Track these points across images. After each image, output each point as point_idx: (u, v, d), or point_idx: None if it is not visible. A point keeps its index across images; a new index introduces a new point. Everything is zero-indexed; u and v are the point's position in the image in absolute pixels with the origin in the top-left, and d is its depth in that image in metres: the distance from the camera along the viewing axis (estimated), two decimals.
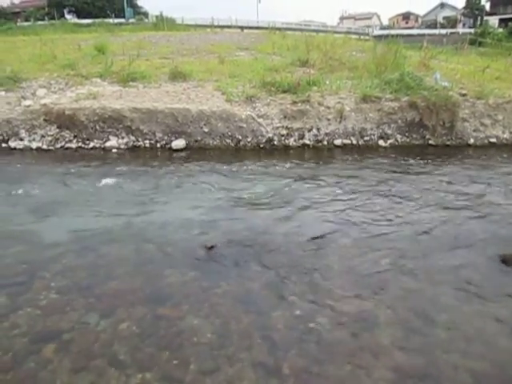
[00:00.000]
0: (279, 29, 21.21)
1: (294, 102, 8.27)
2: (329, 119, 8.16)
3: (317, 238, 4.15)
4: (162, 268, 3.61)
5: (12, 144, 7.72)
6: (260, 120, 7.95)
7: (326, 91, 8.74)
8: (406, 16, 65.48)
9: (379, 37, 19.61)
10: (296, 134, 8.00)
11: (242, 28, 32.89)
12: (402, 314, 3.02)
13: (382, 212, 4.84)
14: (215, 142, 7.83)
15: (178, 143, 7.64)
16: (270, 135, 7.87)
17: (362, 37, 26.84)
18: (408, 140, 8.22)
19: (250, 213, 4.79)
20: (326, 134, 8.05)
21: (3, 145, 7.75)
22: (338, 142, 7.99)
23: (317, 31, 27.31)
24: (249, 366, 2.54)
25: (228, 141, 7.85)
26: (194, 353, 2.60)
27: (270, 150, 7.67)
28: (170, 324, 2.86)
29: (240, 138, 7.85)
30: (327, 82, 9.24)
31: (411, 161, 7.04)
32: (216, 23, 28.75)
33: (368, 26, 47.36)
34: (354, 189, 5.62)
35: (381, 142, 8.09)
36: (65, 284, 3.38)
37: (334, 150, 7.82)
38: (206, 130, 7.82)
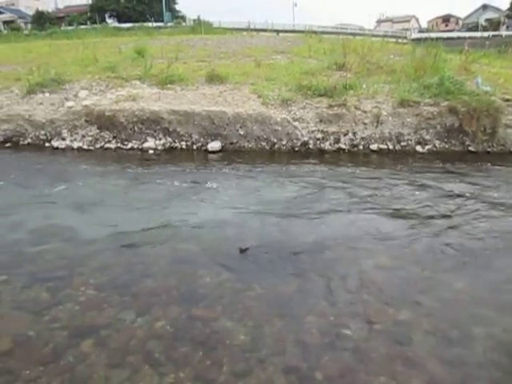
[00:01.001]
0: (315, 32, 21.11)
1: (330, 106, 8.21)
2: (365, 123, 8.04)
3: (351, 243, 4.09)
4: (197, 268, 3.65)
5: (55, 143, 8.02)
6: (295, 123, 7.93)
7: (362, 95, 8.63)
8: (446, 19, 63.84)
9: (417, 40, 19.20)
10: (331, 137, 7.93)
11: (277, 31, 32.92)
12: (439, 325, 2.94)
13: (421, 219, 4.72)
14: (250, 145, 7.87)
15: (214, 145, 7.72)
16: (306, 139, 7.84)
17: (399, 40, 26.33)
18: (447, 146, 8.00)
19: (284, 216, 4.78)
20: (362, 139, 7.94)
21: (46, 144, 8.08)
22: (374, 146, 7.86)
23: (353, 34, 26.97)
24: (281, 371, 2.53)
25: (263, 143, 7.87)
26: (227, 354, 2.61)
27: (304, 154, 7.64)
28: (204, 324, 2.88)
29: (275, 140, 7.86)
30: (364, 86, 9.11)
31: (451, 167, 6.84)
32: (252, 27, 28.90)
33: (406, 29, 46.45)
34: (391, 194, 5.51)
35: (418, 148, 7.90)
36: (102, 281, 3.47)
37: (369, 154, 7.70)
38: (242, 132, 7.87)
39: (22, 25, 45.45)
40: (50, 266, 3.76)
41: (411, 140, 7.99)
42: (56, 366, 2.53)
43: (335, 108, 8.17)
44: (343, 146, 7.86)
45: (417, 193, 5.55)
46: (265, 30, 31.27)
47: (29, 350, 2.68)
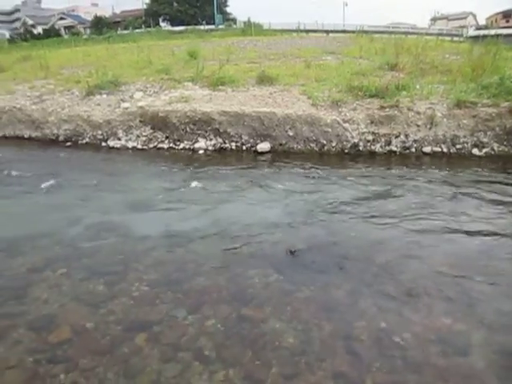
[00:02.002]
0: (366, 32, 20.74)
1: (382, 107, 8.03)
2: (418, 125, 7.80)
3: (404, 248, 3.99)
4: (246, 268, 3.69)
5: (111, 143, 8.37)
6: (345, 125, 7.82)
7: (415, 96, 8.38)
8: (507, 14, 60.52)
9: (475, 38, 18.38)
10: (382, 139, 7.76)
11: (327, 32, 32.62)
12: (497, 336, 2.81)
13: (478, 222, 4.52)
14: (299, 146, 7.85)
15: (263, 146, 7.77)
16: (356, 140, 7.72)
17: (455, 38, 25.33)
18: (506, 149, 7.59)
19: (334, 219, 4.74)
20: (415, 141, 7.71)
21: (103, 144, 8.45)
22: (427, 149, 7.61)
23: (406, 33, 26.25)
24: (330, 376, 2.51)
25: (312, 145, 7.83)
26: (276, 356, 2.63)
27: (354, 156, 7.52)
28: (253, 325, 2.91)
29: (324, 142, 7.80)
30: (417, 87, 8.84)
31: None
32: (302, 28, 28.79)
33: (462, 27, 44.59)
34: (448, 198, 5.30)
35: (475, 151, 7.57)
36: (155, 277, 3.58)
37: (422, 157, 7.46)
38: (291, 133, 7.86)
39: (82, 30, 47.75)
40: (106, 260, 3.93)
41: (467, 143, 7.67)
42: (111, 357, 2.65)
43: (387, 109, 7.98)
44: (394, 149, 7.66)
45: (479, 203, 5.31)
46: (315, 31, 31.10)
47: (86, 340, 2.81)
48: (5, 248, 4.14)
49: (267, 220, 4.69)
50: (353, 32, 23.67)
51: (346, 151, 7.66)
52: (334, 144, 7.77)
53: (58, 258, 3.94)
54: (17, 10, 71.42)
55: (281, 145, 7.90)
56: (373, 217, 4.76)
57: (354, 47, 14.19)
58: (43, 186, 5.96)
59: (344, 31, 31.50)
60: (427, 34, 19.80)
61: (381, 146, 7.71)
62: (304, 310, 3.08)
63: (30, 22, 59.41)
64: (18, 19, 67.46)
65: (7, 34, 48.00)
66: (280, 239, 4.24)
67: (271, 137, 7.93)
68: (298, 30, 26.51)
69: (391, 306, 3.13)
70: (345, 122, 7.88)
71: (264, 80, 9.78)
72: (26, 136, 9.53)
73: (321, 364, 2.58)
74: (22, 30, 52.69)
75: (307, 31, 28.20)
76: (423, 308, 3.12)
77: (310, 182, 6.08)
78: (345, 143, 7.73)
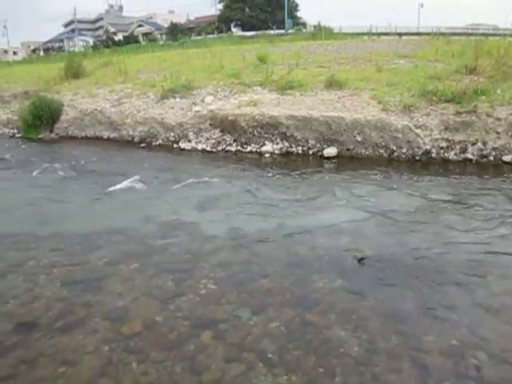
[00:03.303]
0: (443, 34, 19.82)
1: (458, 113, 7.64)
2: (498, 132, 7.33)
3: (481, 264, 3.76)
4: (311, 272, 3.67)
5: (182, 145, 8.71)
6: (417, 131, 7.54)
7: (496, 101, 7.88)
8: None
9: None
10: (457, 147, 7.38)
11: (399, 35, 31.57)
12: None
13: None
14: (367, 152, 7.68)
15: (330, 151, 7.69)
16: (428, 147, 7.41)
17: None
18: None
19: (402, 228, 4.58)
20: (494, 149, 7.25)
21: (175, 145, 8.81)
22: (507, 158, 7.13)
23: (486, 35, 24.77)
24: None
25: (381, 151, 7.63)
26: (340, 364, 2.58)
27: (425, 163, 7.22)
28: (317, 330, 2.89)
29: (394, 148, 7.56)
30: (498, 91, 8.31)
31: None
32: (374, 31, 28.09)
33: None
34: None
35: None
36: (221, 276, 3.67)
37: (501, 166, 7.00)
38: (359, 138, 7.72)
39: (158, 36, 50.07)
40: (175, 258, 4.09)
41: None
42: (179, 352, 2.74)
43: (463, 115, 7.58)
44: (470, 157, 7.26)
45: None
46: (387, 34, 30.20)
47: (156, 334, 2.94)
48: (84, 242, 4.44)
49: (333, 226, 4.64)
50: (428, 34, 22.74)
51: (417, 158, 7.38)
52: (404, 150, 7.51)
53: (131, 254, 4.16)
54: (100, 19, 76.40)
55: (348, 150, 7.77)
56: (446, 228, 4.54)
57: (429, 50, 13.60)
58: (120, 184, 6.33)
59: (418, 33, 30.34)
60: (511, 36, 18.54)
61: (455, 154, 7.34)
62: (370, 320, 3.00)
63: (112, 29, 63.21)
64: (101, 27, 72.07)
65: (91, 41, 51.55)
66: (346, 246, 4.17)
67: (338, 142, 7.84)
68: (369, 33, 25.88)
69: (465, 321, 2.96)
70: (417, 127, 7.60)
71: (333, 84, 9.68)
72: (104, 137, 10.18)
73: (387, 377, 2.50)
74: (104, 37, 56.26)
75: (379, 34, 27.41)
76: (502, 326, 2.92)
77: (379, 188, 5.92)
78: (416, 150, 7.45)
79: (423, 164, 7.21)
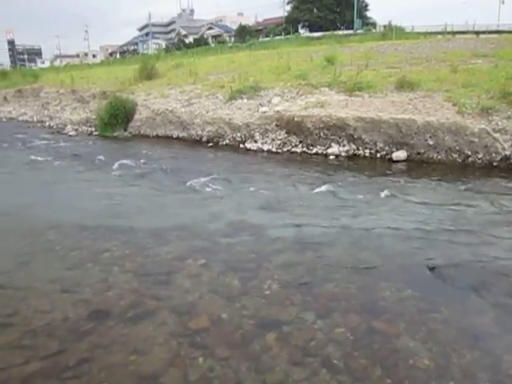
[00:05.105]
0: None
1: None
2: None
3: None
4: (378, 279, 3.57)
5: (248, 145, 8.83)
6: (496, 135, 7.08)
7: None
8: None
9: None
10: None
11: (477, 33, 29.85)
12: None
13: None
14: (439, 156, 7.34)
15: (399, 155, 7.44)
16: (508, 153, 6.93)
17: None
18: None
19: (476, 238, 4.31)
20: None
21: (241, 145, 8.94)
22: None
23: None
24: None
25: (454, 155, 7.25)
26: (409, 377, 2.48)
27: (504, 170, 6.76)
28: (385, 339, 2.79)
29: (469, 153, 7.16)
30: None
31: None
32: (449, 29, 26.79)
33: None
34: None
35: None
36: (286, 278, 3.66)
37: None
38: (431, 142, 7.39)
39: (227, 38, 51.12)
40: (241, 257, 4.14)
41: None
42: (244, 351, 2.76)
43: None
44: None
45: None
46: (463, 33, 28.72)
47: (222, 331, 2.98)
48: (154, 236, 4.63)
49: (402, 232, 4.48)
50: (509, 32, 21.33)
51: (495, 164, 6.94)
52: (480, 155, 7.09)
53: (198, 250, 4.27)
54: (173, 22, 79.42)
55: (419, 154, 7.47)
56: None
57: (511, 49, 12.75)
58: (189, 182, 6.53)
59: (498, 31, 28.54)
60: None
61: None
62: (441, 332, 2.85)
63: (183, 32, 65.44)
64: (173, 30, 74.88)
65: (163, 44, 53.76)
66: (415, 253, 4.01)
67: (408, 145, 7.56)
68: (443, 32, 24.70)
69: None
70: (495, 131, 7.14)
71: (404, 85, 9.34)
72: (174, 136, 10.57)
73: None
74: (175, 40, 58.39)
75: (454, 33, 26.07)
76: None
77: (451, 195, 5.64)
78: (494, 155, 7.00)
79: (501, 170, 6.76)
